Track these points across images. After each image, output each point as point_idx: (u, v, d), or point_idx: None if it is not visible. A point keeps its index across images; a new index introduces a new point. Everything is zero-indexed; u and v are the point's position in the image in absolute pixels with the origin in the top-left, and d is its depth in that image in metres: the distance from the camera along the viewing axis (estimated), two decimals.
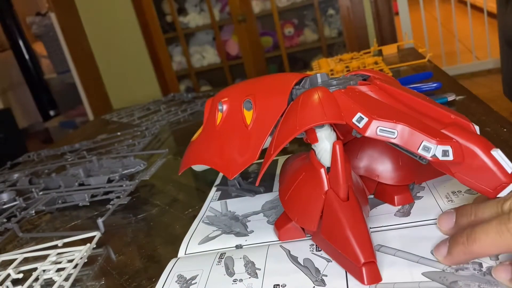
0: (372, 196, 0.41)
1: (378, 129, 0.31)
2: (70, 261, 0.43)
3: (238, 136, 0.39)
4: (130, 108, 1.17)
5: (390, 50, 1.03)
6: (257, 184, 0.36)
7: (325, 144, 0.34)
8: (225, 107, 0.42)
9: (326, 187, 0.33)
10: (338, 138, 0.35)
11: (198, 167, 0.46)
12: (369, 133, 0.31)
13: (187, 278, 0.35)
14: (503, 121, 0.51)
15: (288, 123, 0.35)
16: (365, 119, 0.31)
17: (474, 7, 2.94)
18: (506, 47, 0.84)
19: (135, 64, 2.42)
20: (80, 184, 0.62)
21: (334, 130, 0.35)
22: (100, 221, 0.49)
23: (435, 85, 0.66)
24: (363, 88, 0.35)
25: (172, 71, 2.52)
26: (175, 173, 0.54)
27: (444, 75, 0.76)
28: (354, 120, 0.32)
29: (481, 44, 2.72)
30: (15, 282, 0.43)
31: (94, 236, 0.46)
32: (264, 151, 0.37)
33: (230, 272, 0.35)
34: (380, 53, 1.03)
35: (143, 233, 0.47)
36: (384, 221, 0.37)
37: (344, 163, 0.33)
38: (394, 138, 0.31)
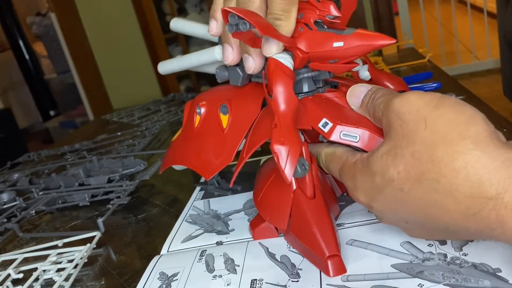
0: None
1: (341, 133, 0.33)
2: (70, 261, 0.43)
3: (215, 139, 0.40)
4: (130, 108, 1.17)
5: (390, 50, 1.03)
6: (231, 185, 0.38)
7: None
8: (203, 110, 0.43)
9: (294, 187, 0.35)
10: (305, 141, 0.37)
11: (178, 167, 0.48)
12: (333, 137, 0.33)
13: (169, 275, 0.37)
14: (503, 121, 0.51)
15: (259, 128, 0.37)
16: (330, 124, 0.34)
17: (474, 7, 2.94)
18: (506, 47, 0.84)
19: (135, 64, 2.42)
20: (80, 184, 0.62)
21: (302, 134, 0.37)
22: (100, 221, 0.49)
23: (435, 85, 0.66)
24: (330, 95, 0.37)
25: None
26: (175, 173, 0.55)
27: (444, 75, 0.76)
28: (320, 125, 0.34)
29: (481, 44, 2.72)
30: (15, 282, 0.43)
31: (94, 236, 0.46)
32: (239, 154, 0.38)
33: (210, 269, 0.36)
34: (380, 53, 1.03)
35: (143, 233, 0.47)
36: (359, 217, 0.39)
37: (310, 163, 0.34)
38: (356, 142, 0.33)
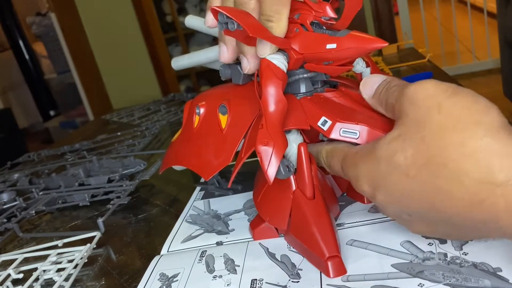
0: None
1: (341, 130, 0.33)
2: (70, 261, 0.43)
3: (214, 139, 0.40)
4: (130, 108, 1.17)
5: (390, 50, 1.03)
6: (229, 185, 0.38)
7: (292, 147, 0.36)
8: (202, 110, 0.43)
9: (293, 187, 0.35)
10: (304, 141, 0.37)
11: (178, 167, 0.48)
12: (333, 135, 0.34)
13: (169, 276, 0.37)
14: None
15: (258, 129, 0.36)
16: (329, 122, 0.34)
17: (474, 7, 2.93)
18: (506, 47, 0.84)
19: (135, 64, 2.42)
20: (80, 184, 0.62)
21: (301, 134, 0.37)
22: (100, 221, 0.49)
23: None
24: (329, 95, 0.37)
25: (172, 71, 2.52)
26: (175, 173, 0.55)
27: (444, 75, 0.76)
28: (319, 123, 0.34)
29: (481, 44, 2.72)
30: (15, 282, 0.43)
31: (94, 236, 0.46)
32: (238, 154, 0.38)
33: (210, 270, 0.37)
34: (380, 53, 1.03)
35: (143, 233, 0.47)
36: (358, 217, 0.39)
37: (309, 164, 0.35)
38: (357, 139, 0.33)
